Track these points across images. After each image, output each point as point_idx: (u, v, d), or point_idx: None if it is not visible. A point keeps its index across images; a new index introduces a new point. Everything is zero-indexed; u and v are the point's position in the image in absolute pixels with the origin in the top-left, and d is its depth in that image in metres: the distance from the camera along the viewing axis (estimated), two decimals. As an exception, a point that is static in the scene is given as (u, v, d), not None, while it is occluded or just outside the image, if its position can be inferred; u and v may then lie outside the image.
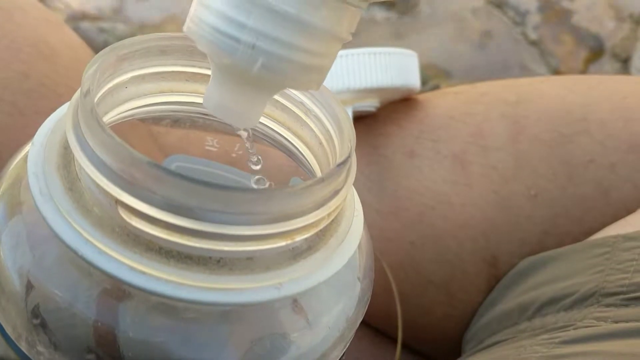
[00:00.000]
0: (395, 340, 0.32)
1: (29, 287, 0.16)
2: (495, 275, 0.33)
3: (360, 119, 0.35)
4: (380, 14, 0.75)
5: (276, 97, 0.19)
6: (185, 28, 0.17)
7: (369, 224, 0.20)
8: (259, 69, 0.16)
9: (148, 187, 0.14)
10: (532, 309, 0.28)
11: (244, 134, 0.19)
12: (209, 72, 0.18)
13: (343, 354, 0.18)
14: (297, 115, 0.19)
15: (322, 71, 0.17)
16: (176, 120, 0.22)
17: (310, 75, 0.16)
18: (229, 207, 0.14)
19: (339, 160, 0.16)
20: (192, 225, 0.14)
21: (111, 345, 0.15)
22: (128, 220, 0.15)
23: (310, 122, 0.19)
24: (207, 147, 0.23)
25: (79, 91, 0.16)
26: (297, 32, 0.15)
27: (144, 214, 0.14)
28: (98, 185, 0.15)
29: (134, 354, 0.15)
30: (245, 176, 0.22)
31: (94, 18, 0.70)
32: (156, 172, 0.14)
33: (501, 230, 0.32)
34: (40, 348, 0.16)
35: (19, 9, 0.31)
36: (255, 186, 0.20)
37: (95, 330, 0.15)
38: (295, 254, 0.16)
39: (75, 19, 0.69)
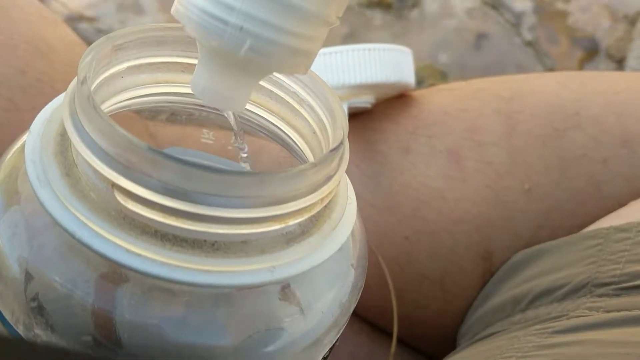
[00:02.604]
0: (391, 335, 0.32)
1: (28, 275, 0.16)
2: (490, 270, 0.33)
3: (356, 115, 0.36)
4: (377, 15, 0.75)
5: (270, 87, 0.20)
6: (173, 10, 0.17)
7: (364, 218, 0.20)
8: (247, 51, 0.16)
9: (144, 171, 0.14)
10: (525, 301, 0.29)
11: (231, 118, 0.19)
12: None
13: (337, 340, 0.19)
14: (291, 105, 0.20)
15: (310, 55, 0.17)
16: (172, 113, 0.22)
17: (298, 59, 0.16)
18: (223, 190, 0.14)
19: (331, 147, 0.16)
20: (188, 208, 0.14)
21: (108, 328, 0.15)
22: (124, 203, 0.15)
23: (304, 112, 0.19)
24: (203, 140, 0.23)
25: (75, 80, 0.16)
26: (286, 15, 0.16)
27: (140, 197, 0.15)
28: (95, 170, 0.15)
29: (131, 336, 0.15)
30: (240, 168, 0.22)
31: (91, 19, 0.70)
32: (152, 155, 0.14)
33: (495, 224, 0.32)
34: (37, 331, 0.16)
35: (16, 6, 0.31)
36: (242, 163, 0.21)
37: (93, 313, 0.16)
38: (289, 239, 0.16)
39: (73, 20, 0.69)
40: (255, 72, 0.17)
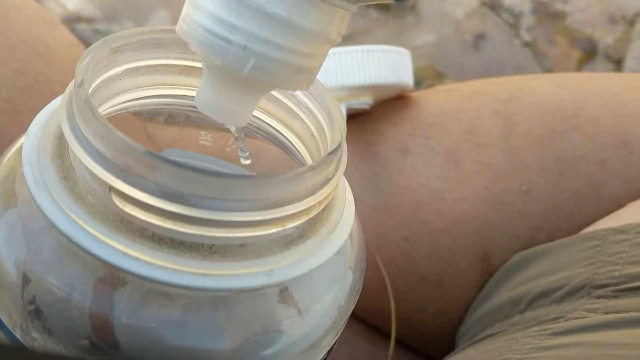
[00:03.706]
0: (389, 337, 0.32)
1: (25, 278, 0.16)
2: (488, 271, 0.33)
3: (354, 117, 0.35)
4: (375, 16, 0.75)
5: (268, 90, 0.20)
6: (177, 29, 0.17)
7: (362, 220, 0.20)
8: (250, 69, 0.16)
9: (141, 175, 0.14)
10: (523, 302, 0.29)
11: (234, 128, 0.20)
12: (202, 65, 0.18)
13: (335, 342, 0.19)
14: (289, 107, 0.20)
15: (312, 72, 0.17)
16: (170, 115, 0.22)
17: (301, 76, 0.17)
18: (221, 193, 0.14)
19: (329, 149, 0.16)
20: (185, 212, 0.14)
21: (106, 332, 0.15)
22: (122, 207, 0.15)
23: (302, 114, 0.19)
24: (201, 142, 0.23)
25: (72, 82, 0.16)
26: (288, 34, 0.16)
27: (138, 200, 0.15)
28: (92, 173, 0.15)
29: (128, 339, 0.15)
30: (238, 170, 0.22)
31: (89, 20, 0.70)
32: (149, 159, 0.14)
33: (494, 226, 0.32)
34: (34, 335, 0.16)
35: (14, 7, 0.31)
36: (242, 159, 0.21)
37: (91, 317, 0.15)
38: (286, 242, 0.16)
39: (71, 21, 0.69)
40: (258, 89, 0.17)
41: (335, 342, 0.19)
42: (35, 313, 0.16)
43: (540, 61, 0.76)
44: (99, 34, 0.69)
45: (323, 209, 0.17)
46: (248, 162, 0.21)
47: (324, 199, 0.16)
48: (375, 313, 0.34)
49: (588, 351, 0.23)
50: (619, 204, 0.31)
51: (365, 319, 0.36)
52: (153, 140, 0.28)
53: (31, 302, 0.16)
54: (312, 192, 0.16)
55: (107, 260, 0.15)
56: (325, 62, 0.32)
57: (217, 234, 0.15)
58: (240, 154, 0.21)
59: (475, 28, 0.77)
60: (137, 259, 0.15)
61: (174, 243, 0.15)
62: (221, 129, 0.23)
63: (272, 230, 0.15)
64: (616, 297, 0.26)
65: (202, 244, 0.15)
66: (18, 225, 0.17)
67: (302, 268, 0.16)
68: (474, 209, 0.32)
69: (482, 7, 0.78)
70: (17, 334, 0.16)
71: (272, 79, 0.16)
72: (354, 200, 0.19)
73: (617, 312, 0.25)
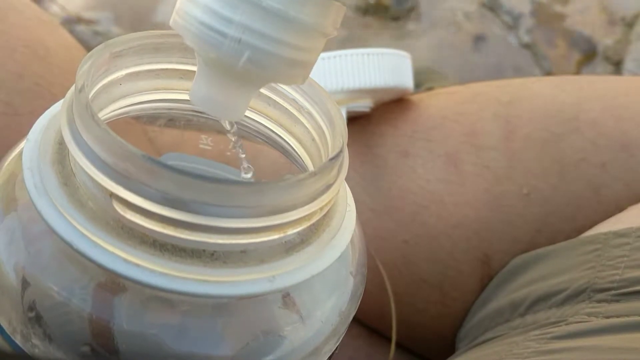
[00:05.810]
0: (389, 339, 0.32)
1: (25, 282, 0.16)
2: (489, 274, 0.33)
3: (355, 119, 0.35)
4: (374, 18, 0.75)
5: (269, 94, 0.20)
6: (171, 22, 0.17)
7: (363, 223, 0.20)
8: (245, 63, 0.16)
9: (142, 181, 0.14)
10: (524, 305, 0.28)
11: (228, 126, 0.20)
12: (202, 69, 0.18)
13: (336, 348, 0.19)
14: (290, 112, 0.20)
15: (307, 65, 0.17)
16: (171, 119, 0.22)
17: (296, 70, 0.17)
18: (222, 200, 0.14)
19: (331, 155, 0.16)
20: (186, 218, 0.14)
21: (106, 338, 0.15)
22: (122, 213, 0.15)
23: (303, 118, 0.19)
24: (201, 146, 0.23)
25: (73, 87, 0.16)
26: (283, 28, 0.16)
27: (139, 207, 0.15)
28: (93, 180, 0.15)
29: (129, 346, 0.15)
30: (238, 174, 0.22)
31: (88, 21, 0.70)
32: (150, 165, 0.14)
33: (494, 229, 0.32)
34: (35, 341, 0.16)
35: (14, 9, 0.31)
36: (243, 173, 0.21)
37: (91, 323, 0.15)
38: (288, 248, 0.16)
39: (71, 23, 0.69)
40: (253, 82, 0.17)
41: (336, 348, 0.19)
42: (36, 319, 0.16)
43: (539, 63, 0.76)
44: (99, 35, 0.69)
45: (324, 215, 0.17)
46: (249, 175, 0.21)
47: (326, 204, 0.16)
48: (375, 316, 0.34)
49: (589, 355, 0.23)
50: (619, 207, 0.31)
51: (365, 322, 0.36)
52: (153, 143, 0.28)
53: (31, 309, 0.16)
54: (313, 198, 0.16)
55: (108, 267, 0.15)
56: (325, 65, 0.32)
57: (219, 241, 0.15)
58: (241, 167, 0.21)
59: (475, 29, 0.77)
60: (138, 265, 0.15)
61: (175, 250, 0.15)
62: (221, 132, 0.22)
63: (274, 236, 0.15)
64: (617, 301, 0.26)
65: (204, 251, 0.15)
66: (18, 230, 0.17)
67: (303, 274, 0.16)
68: (474, 211, 0.32)
69: (482, 9, 0.78)
70: (18, 340, 0.16)
71: (266, 73, 0.16)
72: (354, 203, 0.19)
73: (618, 316, 0.25)
